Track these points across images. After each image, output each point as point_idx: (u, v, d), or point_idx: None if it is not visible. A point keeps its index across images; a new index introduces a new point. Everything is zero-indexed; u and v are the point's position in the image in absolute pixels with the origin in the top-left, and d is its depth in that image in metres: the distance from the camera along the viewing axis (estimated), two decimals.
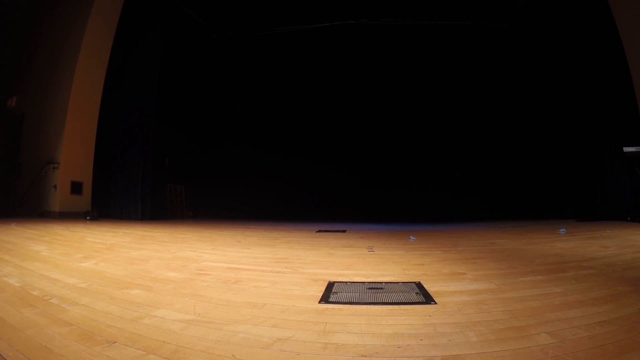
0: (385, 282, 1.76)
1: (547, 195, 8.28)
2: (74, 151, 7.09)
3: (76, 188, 7.09)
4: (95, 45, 7.39)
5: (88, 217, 6.62)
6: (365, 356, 0.95)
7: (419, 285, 1.69)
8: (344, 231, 4.97)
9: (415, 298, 1.48)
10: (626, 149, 5.71)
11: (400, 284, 1.73)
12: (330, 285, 1.71)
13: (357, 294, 1.54)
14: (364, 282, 1.77)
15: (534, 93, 8.61)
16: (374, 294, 1.55)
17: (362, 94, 10.27)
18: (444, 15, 8.15)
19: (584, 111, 7.15)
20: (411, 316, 1.26)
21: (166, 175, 8.17)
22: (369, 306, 1.38)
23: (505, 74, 8.76)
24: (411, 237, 3.88)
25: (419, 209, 9.18)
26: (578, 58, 7.38)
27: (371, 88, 10.19)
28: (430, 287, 1.63)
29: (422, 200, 9.40)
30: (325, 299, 1.48)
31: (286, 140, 10.26)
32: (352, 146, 9.99)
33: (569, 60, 7.68)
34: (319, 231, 4.95)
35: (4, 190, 7.35)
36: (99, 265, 2.18)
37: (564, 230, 4.30)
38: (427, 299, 1.45)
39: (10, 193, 7.38)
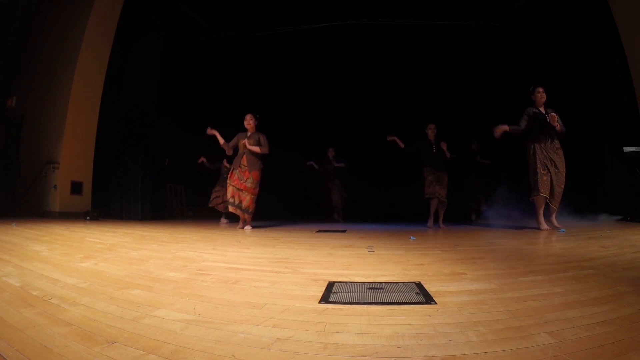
0: (385, 282, 1.76)
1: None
2: (74, 151, 7.09)
3: (76, 188, 7.09)
4: (95, 45, 7.39)
5: (88, 217, 6.61)
6: (365, 356, 0.94)
7: (419, 285, 1.68)
8: (344, 231, 4.97)
9: (415, 298, 1.47)
10: (626, 149, 5.71)
11: (400, 284, 1.73)
12: (330, 285, 1.71)
13: (357, 294, 1.54)
14: (364, 282, 1.77)
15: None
16: (374, 294, 1.55)
17: (363, 93, 10.28)
18: (444, 16, 8.18)
19: (584, 111, 7.15)
20: (411, 316, 1.25)
21: (166, 175, 8.17)
22: (369, 306, 1.38)
23: (505, 73, 8.75)
24: (411, 237, 3.88)
25: (419, 208, 9.16)
26: (578, 58, 7.38)
27: (372, 88, 10.21)
28: (430, 287, 1.63)
29: (422, 199, 9.38)
30: (325, 299, 1.48)
31: (286, 139, 10.25)
32: (352, 146, 9.98)
33: (569, 60, 7.68)
34: (319, 231, 4.95)
35: (4, 190, 7.35)
36: (99, 265, 2.18)
37: (564, 230, 4.31)
38: (427, 299, 1.45)
39: (10, 193, 7.38)
